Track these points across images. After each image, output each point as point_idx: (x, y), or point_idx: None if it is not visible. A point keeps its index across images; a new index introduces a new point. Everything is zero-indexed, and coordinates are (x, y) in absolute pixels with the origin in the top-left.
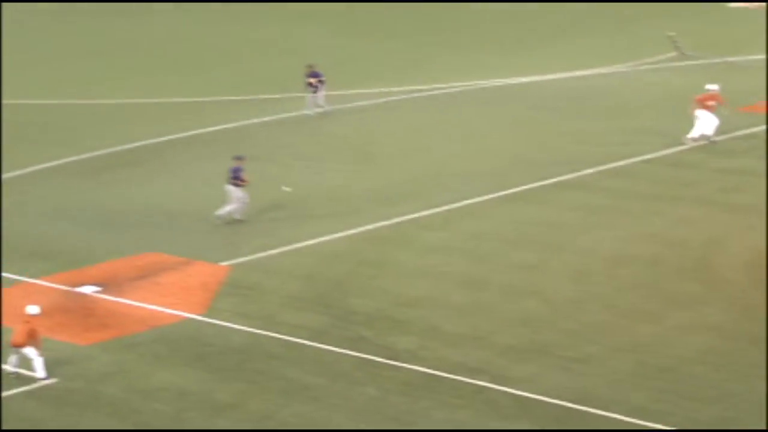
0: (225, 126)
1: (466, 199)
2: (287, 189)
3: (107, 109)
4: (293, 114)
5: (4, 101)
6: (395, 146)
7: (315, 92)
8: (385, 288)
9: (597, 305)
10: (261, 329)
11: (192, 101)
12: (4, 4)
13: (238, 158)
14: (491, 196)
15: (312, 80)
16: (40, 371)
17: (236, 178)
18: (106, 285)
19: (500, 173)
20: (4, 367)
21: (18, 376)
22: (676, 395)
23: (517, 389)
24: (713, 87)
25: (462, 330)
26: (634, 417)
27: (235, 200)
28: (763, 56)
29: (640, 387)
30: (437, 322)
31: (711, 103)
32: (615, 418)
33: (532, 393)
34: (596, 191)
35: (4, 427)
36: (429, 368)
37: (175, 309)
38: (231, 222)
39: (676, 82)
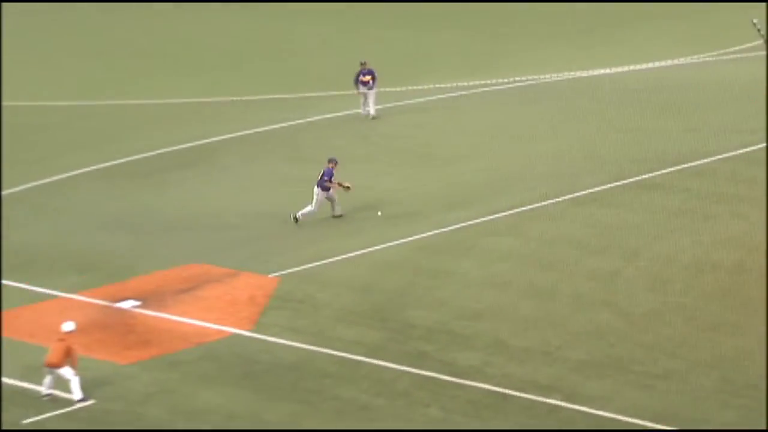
0: (273, 126)
1: (534, 202)
2: (378, 213)
3: (150, 110)
4: (342, 113)
5: (41, 102)
6: (455, 146)
7: (369, 90)
8: (446, 299)
9: (677, 317)
10: (313, 345)
11: (237, 100)
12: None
13: (331, 161)
14: (561, 198)
15: (365, 78)
16: (77, 392)
17: (325, 180)
18: (148, 299)
19: (570, 173)
20: (38, 388)
21: (53, 398)
22: (765, 414)
23: (593, 408)
24: None
25: (530, 344)
26: None
27: (316, 203)
28: None
29: (726, 405)
30: (503, 335)
31: None
32: None
33: (609, 412)
34: (675, 192)
35: None
36: (495, 386)
37: (221, 324)
38: (313, 222)
39: (760, 74)
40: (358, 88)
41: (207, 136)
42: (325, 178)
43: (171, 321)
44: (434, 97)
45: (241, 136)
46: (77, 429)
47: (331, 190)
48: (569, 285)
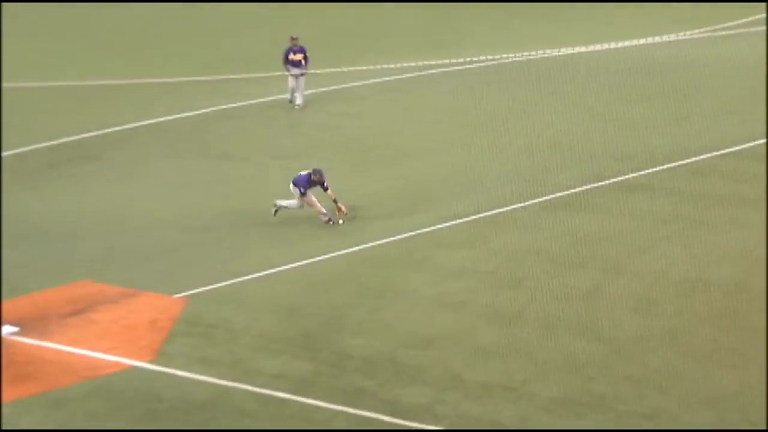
0: (187, 113)
1: (498, 206)
2: (339, 222)
3: (48, 94)
4: (267, 99)
5: None
6: (403, 139)
7: (300, 73)
8: (390, 323)
9: (666, 344)
10: (228, 380)
11: (147, 83)
12: None
13: (316, 173)
14: (530, 202)
15: (296, 57)
16: None
17: (300, 185)
18: (28, 324)
19: (541, 172)
20: None
21: None
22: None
23: None
24: None
25: (491, 378)
26: None
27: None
28: None
29: None
30: (458, 367)
31: None
32: None
33: None
34: (664, 195)
35: None
36: (448, 428)
37: (117, 354)
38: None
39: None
40: (287, 69)
41: (113, 124)
42: (300, 185)
43: (56, 351)
44: (380, 80)
45: (150, 125)
46: (78, 429)
47: (307, 197)
48: (538, 306)
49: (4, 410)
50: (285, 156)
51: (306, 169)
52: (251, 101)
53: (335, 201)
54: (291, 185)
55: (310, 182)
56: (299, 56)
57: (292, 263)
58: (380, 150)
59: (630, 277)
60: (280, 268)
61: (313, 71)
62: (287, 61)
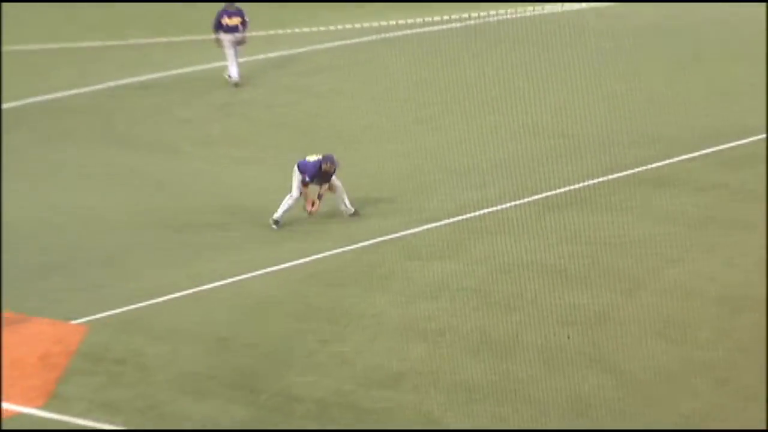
0: (86, 89)
1: (484, 206)
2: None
3: None
4: (192, 70)
5: None
6: (361, 119)
7: (236, 40)
8: (348, 357)
9: (702, 380)
10: (142, 428)
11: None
12: None
13: (326, 161)
14: (524, 200)
15: (231, 21)
16: None
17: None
18: None
19: (538, 161)
20: None
21: None
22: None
23: None
24: None
25: (477, 424)
26: None
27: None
28: None
29: None
30: (435, 411)
31: None
32: None
33: None
34: (698, 190)
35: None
36: None
37: None
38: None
39: None
40: (219, 38)
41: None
42: (307, 173)
43: None
44: (335, 44)
45: (41, 102)
46: (79, 429)
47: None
48: (535, 333)
49: None
50: (212, 143)
51: (314, 155)
52: (168, 72)
53: (320, 196)
54: (295, 170)
55: (319, 171)
56: (235, 20)
57: (223, 279)
58: (333, 134)
59: (653, 296)
60: (208, 286)
61: (253, 33)
62: (219, 27)
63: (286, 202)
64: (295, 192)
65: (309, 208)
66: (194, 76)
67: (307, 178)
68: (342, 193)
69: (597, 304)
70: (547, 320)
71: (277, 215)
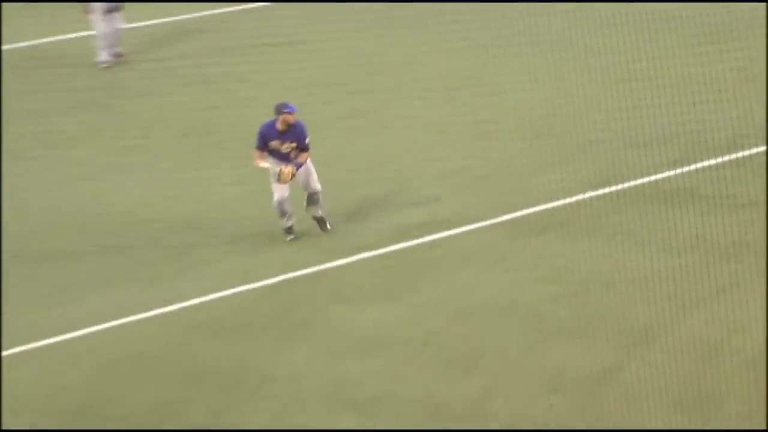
0: None
1: (438, 229)
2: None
3: None
4: (42, 42)
5: None
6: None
7: (109, 10)
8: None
9: None
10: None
11: None
12: None
13: (282, 109)
14: (493, 221)
15: None
16: None
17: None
18: None
19: (514, 168)
20: None
21: None
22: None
23: None
24: None
25: None
26: None
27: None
28: None
29: None
30: None
31: None
32: None
33: None
34: (725, 207)
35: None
36: None
37: None
38: None
39: None
40: (87, 8)
41: None
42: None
43: None
44: (234, 8)
45: None
46: (79, 429)
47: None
48: (505, 403)
49: None
50: (69, 144)
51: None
52: (22, 43)
53: (295, 164)
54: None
55: (274, 129)
56: None
57: (74, 330)
58: (233, 135)
59: (666, 353)
60: (48, 341)
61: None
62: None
63: (276, 199)
64: (272, 178)
65: (280, 179)
66: (42, 53)
67: (261, 143)
68: (314, 177)
69: (590, 364)
70: (521, 385)
71: (283, 224)
